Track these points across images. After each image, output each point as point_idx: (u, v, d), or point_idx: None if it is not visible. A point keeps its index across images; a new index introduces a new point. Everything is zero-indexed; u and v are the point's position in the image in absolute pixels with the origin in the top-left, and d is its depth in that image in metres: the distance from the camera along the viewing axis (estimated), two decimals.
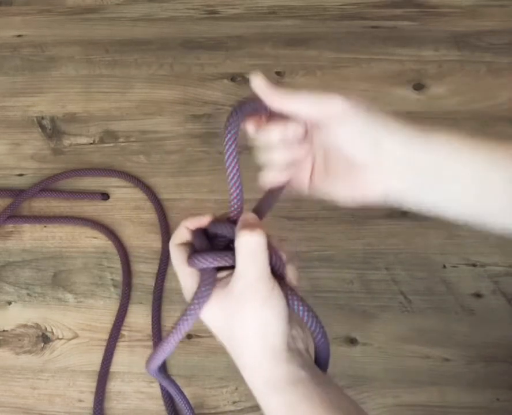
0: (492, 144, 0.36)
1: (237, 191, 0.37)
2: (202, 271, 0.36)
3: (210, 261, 0.36)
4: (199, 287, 0.36)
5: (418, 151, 0.37)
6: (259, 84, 0.38)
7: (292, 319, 0.37)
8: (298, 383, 0.35)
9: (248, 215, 0.37)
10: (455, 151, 0.36)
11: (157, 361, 0.39)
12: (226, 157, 0.36)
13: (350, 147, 0.38)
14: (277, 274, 0.37)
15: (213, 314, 0.36)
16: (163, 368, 0.42)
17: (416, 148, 0.37)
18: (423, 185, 0.37)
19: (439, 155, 0.36)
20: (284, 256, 0.38)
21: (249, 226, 0.36)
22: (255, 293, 0.35)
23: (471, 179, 0.36)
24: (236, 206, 0.37)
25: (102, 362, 0.61)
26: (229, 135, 0.36)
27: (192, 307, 0.35)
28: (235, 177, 0.36)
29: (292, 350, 0.36)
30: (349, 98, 0.38)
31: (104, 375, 0.61)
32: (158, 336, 0.62)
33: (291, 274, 0.38)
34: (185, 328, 0.36)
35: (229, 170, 0.36)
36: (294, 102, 0.38)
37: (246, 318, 0.35)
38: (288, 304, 0.36)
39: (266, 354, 0.35)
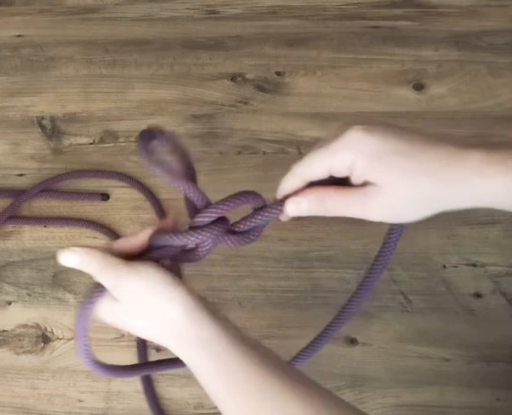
0: None
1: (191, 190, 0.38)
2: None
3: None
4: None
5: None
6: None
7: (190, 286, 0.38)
8: (221, 334, 0.35)
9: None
10: None
11: (81, 354, 0.40)
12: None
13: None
14: None
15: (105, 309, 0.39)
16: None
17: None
18: None
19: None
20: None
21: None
22: (127, 290, 0.37)
23: None
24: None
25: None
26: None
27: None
28: None
29: (201, 306, 0.36)
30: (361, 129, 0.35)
31: (146, 377, 0.61)
32: None
33: None
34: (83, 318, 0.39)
35: None
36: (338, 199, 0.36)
37: (142, 309, 0.37)
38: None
39: (180, 318, 0.36)
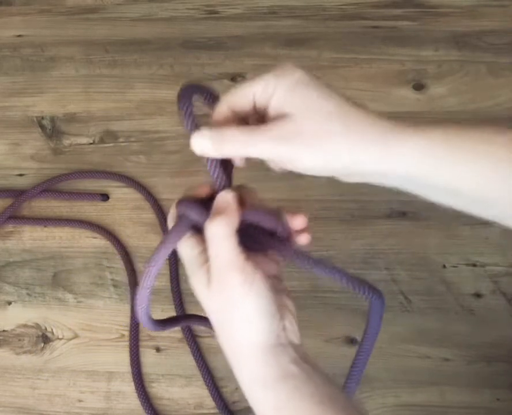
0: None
1: (214, 169, 0.36)
2: (180, 217, 0.36)
3: (190, 208, 0.36)
4: (170, 230, 0.35)
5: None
6: (206, 144, 0.35)
7: (285, 309, 0.36)
8: (288, 378, 0.33)
9: (220, 198, 0.36)
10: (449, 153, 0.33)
11: (142, 314, 0.37)
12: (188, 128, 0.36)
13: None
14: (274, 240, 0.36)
15: (203, 289, 0.35)
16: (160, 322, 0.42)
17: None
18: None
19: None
20: (274, 220, 0.36)
21: (217, 212, 0.34)
22: (229, 287, 0.34)
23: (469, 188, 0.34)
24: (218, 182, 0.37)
25: (132, 367, 0.61)
26: (186, 111, 0.36)
27: (160, 246, 0.34)
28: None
29: (282, 344, 0.34)
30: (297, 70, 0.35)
31: (138, 378, 0.61)
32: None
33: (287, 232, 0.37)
34: (154, 269, 0.35)
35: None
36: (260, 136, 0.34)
37: (230, 312, 0.34)
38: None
39: (251, 351, 0.34)
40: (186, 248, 0.36)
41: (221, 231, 0.34)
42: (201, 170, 0.69)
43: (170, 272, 0.64)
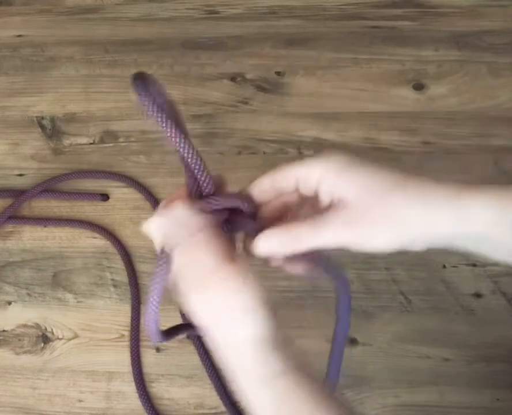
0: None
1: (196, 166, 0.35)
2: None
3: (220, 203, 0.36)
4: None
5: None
6: (272, 245, 0.35)
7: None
8: (288, 373, 0.33)
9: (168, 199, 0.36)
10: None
11: (152, 331, 0.38)
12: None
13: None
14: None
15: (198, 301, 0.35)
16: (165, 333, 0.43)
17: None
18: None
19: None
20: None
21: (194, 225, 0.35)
22: (224, 282, 0.34)
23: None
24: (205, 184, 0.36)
25: (132, 367, 0.61)
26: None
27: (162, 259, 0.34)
28: (189, 154, 0.35)
29: (278, 338, 0.35)
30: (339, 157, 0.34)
31: (138, 378, 0.61)
32: None
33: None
34: (159, 284, 0.35)
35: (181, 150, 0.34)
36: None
37: (225, 308, 0.34)
38: None
39: (249, 347, 0.34)
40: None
41: (206, 234, 0.35)
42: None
43: None
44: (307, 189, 0.35)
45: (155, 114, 0.33)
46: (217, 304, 0.35)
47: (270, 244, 0.35)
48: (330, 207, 0.34)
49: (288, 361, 0.34)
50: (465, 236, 0.33)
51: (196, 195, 0.36)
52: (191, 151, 0.34)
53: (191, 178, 0.36)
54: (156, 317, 0.37)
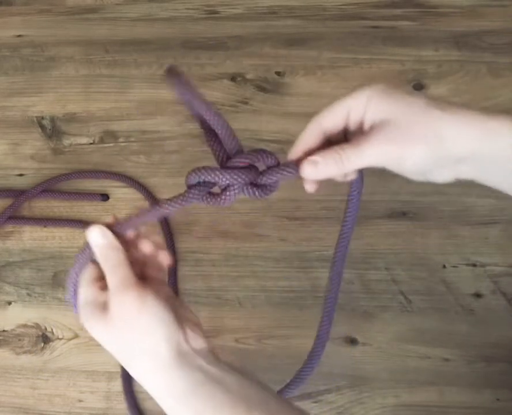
0: None
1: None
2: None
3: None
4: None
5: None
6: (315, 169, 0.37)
7: (183, 318, 0.36)
8: (198, 388, 0.34)
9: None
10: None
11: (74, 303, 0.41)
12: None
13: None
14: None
15: (103, 338, 0.36)
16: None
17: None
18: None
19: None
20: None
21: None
22: (126, 306, 0.35)
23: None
24: None
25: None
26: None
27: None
28: None
29: (186, 353, 0.35)
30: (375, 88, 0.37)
31: (127, 377, 0.61)
32: None
33: None
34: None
35: None
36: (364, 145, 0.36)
37: (130, 331, 0.35)
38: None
39: (157, 367, 0.34)
40: (83, 290, 0.39)
41: (112, 258, 0.37)
42: None
43: (169, 273, 0.64)
44: (355, 117, 0.37)
45: (190, 93, 0.36)
46: (124, 326, 0.35)
47: (317, 166, 0.37)
48: (372, 129, 0.36)
49: (198, 373, 0.34)
50: (490, 158, 0.36)
51: (225, 157, 0.39)
52: (217, 117, 0.37)
53: (217, 145, 0.38)
54: (76, 291, 0.40)
